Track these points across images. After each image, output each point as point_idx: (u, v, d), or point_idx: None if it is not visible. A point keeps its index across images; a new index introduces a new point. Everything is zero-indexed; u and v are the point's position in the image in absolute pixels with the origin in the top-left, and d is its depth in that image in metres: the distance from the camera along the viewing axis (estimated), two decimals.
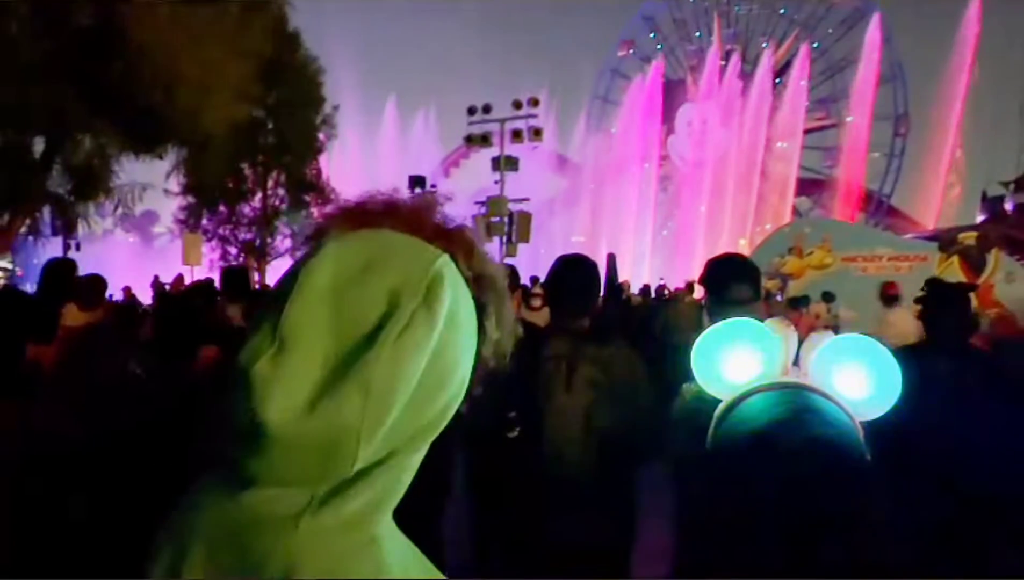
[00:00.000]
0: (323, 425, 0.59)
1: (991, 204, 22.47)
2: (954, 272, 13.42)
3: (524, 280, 7.64)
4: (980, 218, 22.35)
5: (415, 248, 0.69)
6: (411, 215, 0.75)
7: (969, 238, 14.62)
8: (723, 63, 39.62)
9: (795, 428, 1.00)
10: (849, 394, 1.07)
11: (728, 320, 1.19)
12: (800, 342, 1.21)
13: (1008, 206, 21.44)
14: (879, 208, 36.51)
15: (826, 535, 0.93)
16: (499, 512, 3.03)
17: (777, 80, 37.05)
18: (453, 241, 0.73)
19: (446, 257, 0.69)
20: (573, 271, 3.06)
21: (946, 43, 32.77)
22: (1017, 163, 22.42)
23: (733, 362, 1.14)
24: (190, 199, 21.05)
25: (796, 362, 1.18)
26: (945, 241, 14.84)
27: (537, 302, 6.61)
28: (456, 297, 0.68)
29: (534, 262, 17.07)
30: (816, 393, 1.06)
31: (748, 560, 0.93)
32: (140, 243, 44.11)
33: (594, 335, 2.91)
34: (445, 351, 0.66)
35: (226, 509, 0.65)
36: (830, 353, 1.10)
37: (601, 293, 3.45)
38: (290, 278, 0.66)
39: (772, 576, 0.89)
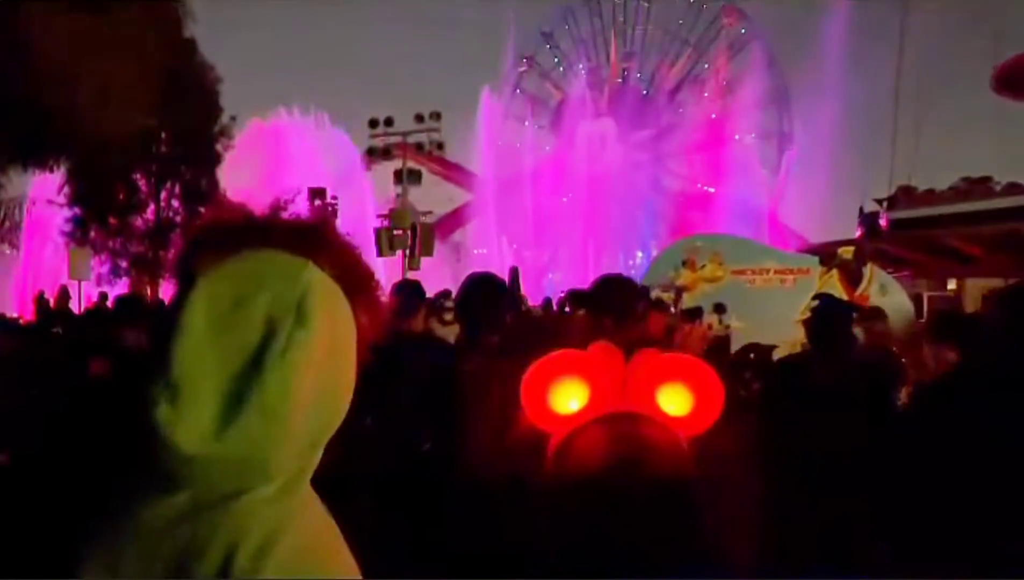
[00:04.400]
0: (232, 448, 0.67)
1: (867, 219, 23.71)
2: (834, 285, 14.19)
3: (432, 293, 7.59)
4: (856, 233, 23.58)
5: (279, 266, 0.74)
6: (266, 226, 0.80)
7: (848, 252, 15.49)
8: (620, 81, 40.84)
9: (628, 467, 1.06)
10: (673, 412, 1.13)
11: (550, 354, 1.20)
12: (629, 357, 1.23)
13: (882, 222, 22.69)
14: (766, 223, 38.14)
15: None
16: (409, 525, 3.10)
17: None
18: (311, 242, 0.79)
19: (309, 266, 0.74)
20: (482, 289, 3.19)
21: (827, 64, 34.61)
22: (890, 181, 23.74)
23: (560, 394, 1.16)
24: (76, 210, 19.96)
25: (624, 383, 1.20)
26: (825, 255, 15.68)
27: (448, 316, 6.59)
28: (328, 302, 0.74)
29: (439, 275, 17.05)
30: (644, 420, 1.12)
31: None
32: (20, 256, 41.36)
33: (504, 351, 3.04)
34: (334, 354, 0.74)
35: (159, 507, 0.72)
36: (653, 374, 1.15)
37: (509, 309, 3.59)
38: (168, 321, 0.71)
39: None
